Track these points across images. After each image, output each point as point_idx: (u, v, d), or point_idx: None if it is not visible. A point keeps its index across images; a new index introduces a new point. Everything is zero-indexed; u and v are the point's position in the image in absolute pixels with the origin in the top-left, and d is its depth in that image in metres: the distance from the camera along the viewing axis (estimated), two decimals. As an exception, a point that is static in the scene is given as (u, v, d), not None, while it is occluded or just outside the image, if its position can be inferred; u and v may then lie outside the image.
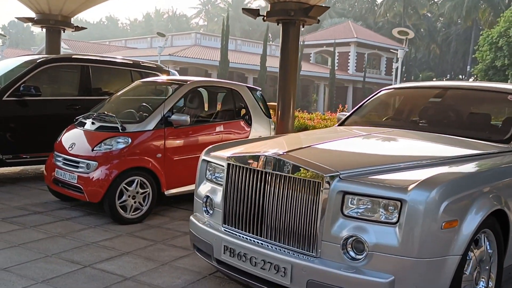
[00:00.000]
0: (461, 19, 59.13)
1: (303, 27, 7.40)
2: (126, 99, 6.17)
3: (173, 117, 5.25)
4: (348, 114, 4.79)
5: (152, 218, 5.25)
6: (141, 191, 5.08)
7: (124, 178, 4.94)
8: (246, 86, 6.33)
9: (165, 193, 5.31)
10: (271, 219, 2.89)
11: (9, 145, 6.39)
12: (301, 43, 40.17)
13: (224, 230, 3.17)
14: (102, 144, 5.04)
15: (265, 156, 2.92)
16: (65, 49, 39.72)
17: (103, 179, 4.87)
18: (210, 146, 3.71)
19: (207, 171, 3.55)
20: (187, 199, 5.74)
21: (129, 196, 4.99)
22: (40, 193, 6.18)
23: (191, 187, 5.49)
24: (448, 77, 68.36)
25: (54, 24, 9.58)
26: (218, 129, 5.81)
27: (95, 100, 7.25)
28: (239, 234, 3.06)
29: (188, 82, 5.66)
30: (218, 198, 3.29)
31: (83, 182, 4.97)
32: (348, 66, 46.90)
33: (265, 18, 7.52)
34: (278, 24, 7.44)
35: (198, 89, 5.98)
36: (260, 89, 6.49)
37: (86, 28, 10.74)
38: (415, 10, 61.01)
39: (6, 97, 6.37)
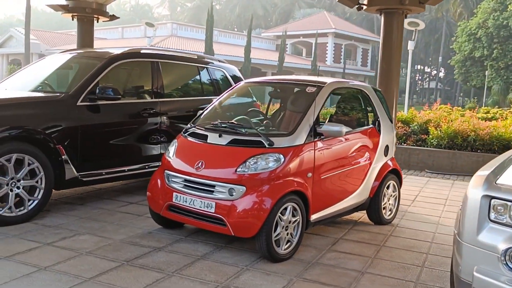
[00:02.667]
0: (430, 10, 59.88)
1: (405, 17, 6.55)
2: (235, 104, 5.15)
3: (325, 127, 4.29)
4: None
5: (297, 251, 4.29)
6: (293, 219, 4.12)
7: (280, 206, 3.96)
8: (371, 86, 5.42)
9: (311, 219, 4.36)
10: None
11: (85, 160, 5.24)
12: (283, 33, 39.33)
13: None
14: (248, 163, 4.02)
15: None
16: (32, 39, 37.29)
17: (258, 209, 3.87)
18: (484, 175, 2.80)
19: (493, 210, 2.65)
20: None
21: (282, 227, 4.02)
22: (128, 217, 5.10)
23: (332, 209, 4.63)
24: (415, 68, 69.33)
25: (91, 13, 8.28)
26: (357, 138, 4.89)
27: (169, 102, 6.23)
28: None
29: (327, 84, 4.69)
30: (542, 252, 2.41)
31: (226, 212, 3.95)
32: (326, 57, 46.46)
33: (364, 7, 6.61)
34: (380, 15, 6.55)
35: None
36: (380, 89, 5.60)
37: (119, 18, 9.49)
38: (387, 1, 61.15)
39: (81, 101, 5.21)
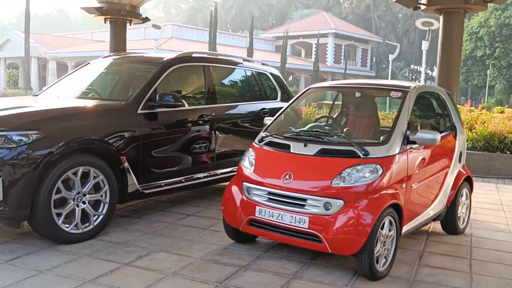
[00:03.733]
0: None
1: (464, 17, 6.34)
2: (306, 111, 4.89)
3: (420, 135, 4.03)
4: None
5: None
6: (389, 234, 3.87)
7: (381, 220, 3.70)
8: (444, 89, 5.18)
9: (402, 231, 4.11)
10: None
11: (146, 171, 4.96)
12: (285, 34, 39.11)
13: None
14: (343, 175, 3.76)
15: None
16: (31, 43, 36.81)
17: (360, 224, 3.61)
18: None
19: None
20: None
21: (381, 243, 3.77)
22: (194, 231, 4.83)
23: (417, 220, 4.39)
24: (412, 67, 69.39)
25: (125, 15, 7.95)
26: (439, 145, 4.64)
27: (222, 108, 5.98)
28: None
29: (412, 88, 4.44)
30: None
31: (323, 228, 3.68)
32: (326, 57, 46.28)
33: (422, 7, 6.36)
34: (440, 14, 6.32)
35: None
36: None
37: (150, 20, 9.19)
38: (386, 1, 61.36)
39: (141, 109, 4.92)
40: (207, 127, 5.66)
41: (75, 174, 4.23)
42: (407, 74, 67.75)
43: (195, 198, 6.25)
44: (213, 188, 6.69)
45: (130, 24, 8.40)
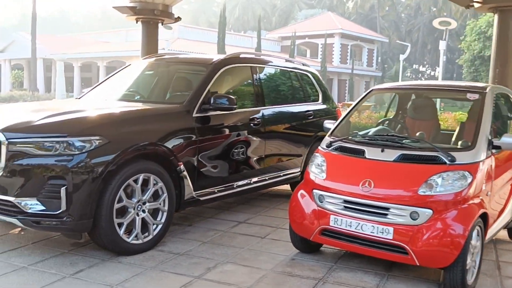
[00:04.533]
0: (430, 9, 59.89)
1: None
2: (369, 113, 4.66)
3: (507, 139, 3.80)
4: None
5: (472, 278, 3.81)
6: (477, 244, 3.64)
7: (472, 231, 3.47)
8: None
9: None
10: None
11: (201, 177, 4.73)
12: (293, 34, 38.87)
13: None
14: (430, 182, 3.53)
15: None
16: (37, 44, 36.60)
17: (453, 235, 3.38)
18: None
19: None
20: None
21: (472, 254, 3.55)
22: (253, 240, 4.61)
23: (493, 230, 4.17)
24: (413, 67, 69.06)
25: (159, 15, 7.71)
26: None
27: (271, 110, 5.77)
28: None
29: (489, 88, 4.21)
30: None
31: (409, 239, 3.44)
32: (333, 57, 46.03)
33: (476, 5, 6.12)
34: (494, 14, 6.09)
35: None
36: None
37: (181, 19, 8.96)
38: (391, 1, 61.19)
39: (196, 112, 4.69)
40: (258, 130, 5.43)
41: (135, 181, 4.01)
42: (408, 74, 67.44)
43: (239, 204, 6.04)
44: (256, 194, 6.48)
45: (162, 25, 8.17)
